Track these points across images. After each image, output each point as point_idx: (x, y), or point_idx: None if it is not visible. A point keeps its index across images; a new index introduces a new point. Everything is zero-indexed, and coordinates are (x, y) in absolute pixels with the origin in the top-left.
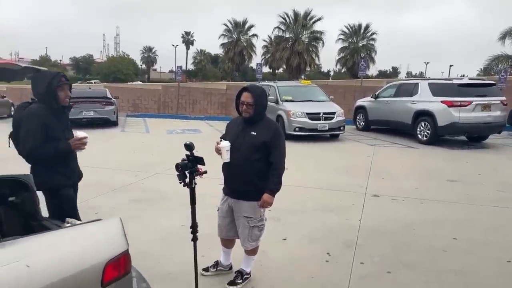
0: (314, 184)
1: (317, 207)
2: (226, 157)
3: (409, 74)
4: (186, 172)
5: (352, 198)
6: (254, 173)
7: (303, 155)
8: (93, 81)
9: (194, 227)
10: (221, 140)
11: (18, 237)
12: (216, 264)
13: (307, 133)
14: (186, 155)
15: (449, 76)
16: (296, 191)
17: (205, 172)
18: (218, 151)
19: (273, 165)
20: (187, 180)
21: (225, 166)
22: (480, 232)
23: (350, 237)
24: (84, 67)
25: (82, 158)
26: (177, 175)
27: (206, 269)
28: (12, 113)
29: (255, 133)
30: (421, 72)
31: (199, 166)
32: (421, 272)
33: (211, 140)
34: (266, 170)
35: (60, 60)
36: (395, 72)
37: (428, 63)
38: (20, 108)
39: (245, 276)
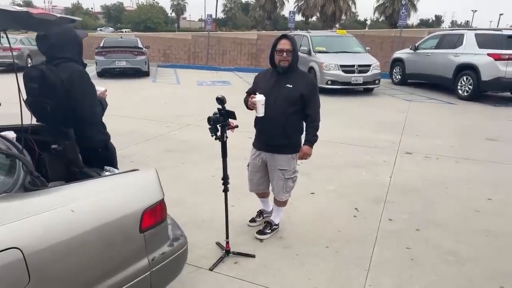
0: (345, 139)
1: (347, 163)
2: (261, 111)
3: (453, 24)
4: (217, 125)
5: (383, 155)
6: (290, 127)
7: (335, 110)
8: (124, 30)
9: (225, 179)
10: (248, 94)
11: (64, 183)
12: (260, 213)
13: (340, 87)
14: (218, 108)
15: (498, 26)
16: (327, 146)
17: (237, 126)
18: (253, 105)
19: (310, 117)
20: (218, 133)
21: (260, 121)
22: None
23: (380, 193)
24: (115, 15)
25: (116, 108)
26: (209, 128)
27: (252, 220)
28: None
29: (291, 86)
30: (467, 21)
31: (230, 120)
32: (451, 231)
33: (241, 93)
34: (300, 122)
35: (92, 8)
36: (438, 21)
37: (475, 11)
38: (50, 71)
39: (274, 226)
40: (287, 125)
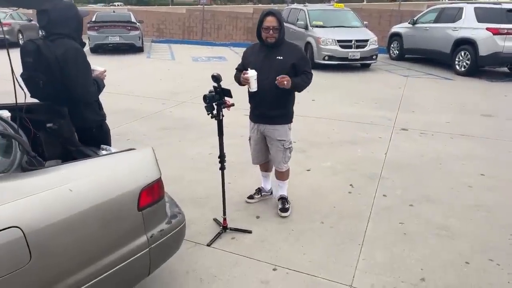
0: (340, 116)
1: (343, 140)
2: (254, 86)
3: None
4: (213, 104)
5: (379, 131)
6: (283, 97)
7: (331, 86)
8: (116, 4)
9: (222, 157)
10: (239, 71)
11: (60, 162)
12: (259, 190)
13: (337, 62)
14: (214, 86)
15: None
16: (322, 123)
17: (233, 104)
18: (246, 81)
19: (307, 71)
20: (214, 111)
21: (255, 95)
22: (510, 170)
23: (374, 170)
24: None
25: (111, 85)
26: (205, 106)
27: (251, 197)
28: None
29: (281, 57)
30: None
31: (226, 98)
32: (444, 207)
33: None
34: (292, 92)
35: None
36: None
37: None
38: (46, 46)
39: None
40: (281, 96)
